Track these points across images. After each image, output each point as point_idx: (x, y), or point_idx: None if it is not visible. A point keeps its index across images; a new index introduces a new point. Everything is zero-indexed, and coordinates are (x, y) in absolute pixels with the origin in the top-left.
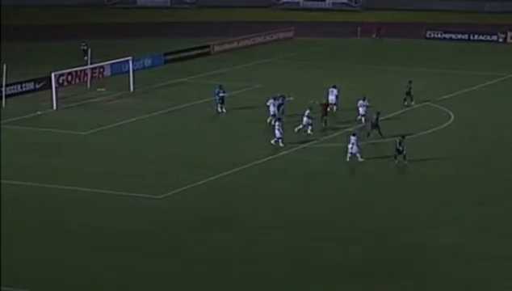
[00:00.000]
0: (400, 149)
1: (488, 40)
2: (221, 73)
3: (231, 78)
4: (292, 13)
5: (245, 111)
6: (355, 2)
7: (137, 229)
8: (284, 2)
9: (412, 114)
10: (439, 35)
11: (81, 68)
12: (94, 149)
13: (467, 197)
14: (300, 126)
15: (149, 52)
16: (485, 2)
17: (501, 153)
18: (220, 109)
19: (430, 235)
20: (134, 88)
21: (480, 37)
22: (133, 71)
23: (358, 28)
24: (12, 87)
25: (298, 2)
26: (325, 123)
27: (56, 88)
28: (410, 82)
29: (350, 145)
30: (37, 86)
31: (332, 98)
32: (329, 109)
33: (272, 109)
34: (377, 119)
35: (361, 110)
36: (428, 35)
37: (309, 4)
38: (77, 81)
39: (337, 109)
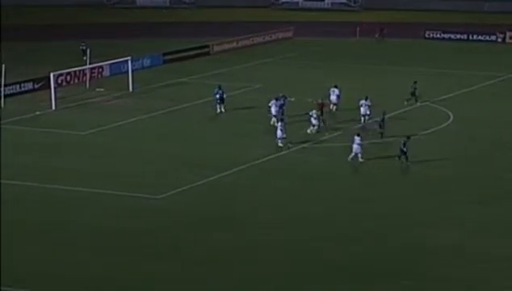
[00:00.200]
0: (404, 149)
1: (487, 40)
2: (221, 73)
3: (230, 78)
4: (291, 13)
5: (244, 111)
6: (354, 2)
7: (137, 229)
8: (283, 2)
9: (411, 114)
10: (438, 35)
11: (80, 68)
12: (94, 149)
13: (467, 197)
14: (311, 127)
15: (148, 52)
16: (484, 2)
17: (500, 153)
18: (219, 109)
19: (430, 235)
20: (133, 88)
21: (479, 37)
22: (132, 71)
23: (358, 28)
24: (11, 87)
25: (297, 2)
26: (324, 122)
27: (54, 88)
28: (415, 82)
29: (355, 146)
30: (36, 86)
31: (333, 98)
32: (330, 109)
33: (274, 110)
34: (383, 119)
35: (362, 109)
36: (427, 35)
37: (308, 4)
38: (76, 81)
39: (337, 109)
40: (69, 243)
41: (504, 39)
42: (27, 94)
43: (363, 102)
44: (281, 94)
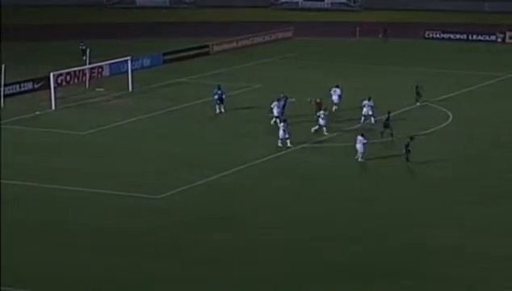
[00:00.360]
0: (409, 149)
1: (486, 40)
2: (220, 73)
3: (230, 78)
4: (291, 13)
5: (244, 111)
6: (354, 2)
7: (137, 229)
8: (283, 2)
9: (411, 114)
10: (438, 35)
11: (79, 68)
12: (94, 149)
13: (467, 197)
14: (317, 127)
15: (148, 52)
16: (484, 2)
17: (499, 153)
18: (218, 110)
19: (430, 235)
20: (133, 88)
21: (479, 37)
22: (132, 71)
23: (357, 28)
24: (11, 87)
25: (297, 2)
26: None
27: (54, 88)
28: (418, 86)
29: (358, 145)
30: (36, 86)
31: (335, 98)
32: (332, 109)
33: (276, 111)
34: (388, 118)
35: (364, 110)
36: (427, 35)
37: (308, 4)
38: (76, 81)
39: (337, 109)
40: (69, 243)
41: (504, 39)
42: (26, 94)
43: (366, 102)
44: (282, 95)
